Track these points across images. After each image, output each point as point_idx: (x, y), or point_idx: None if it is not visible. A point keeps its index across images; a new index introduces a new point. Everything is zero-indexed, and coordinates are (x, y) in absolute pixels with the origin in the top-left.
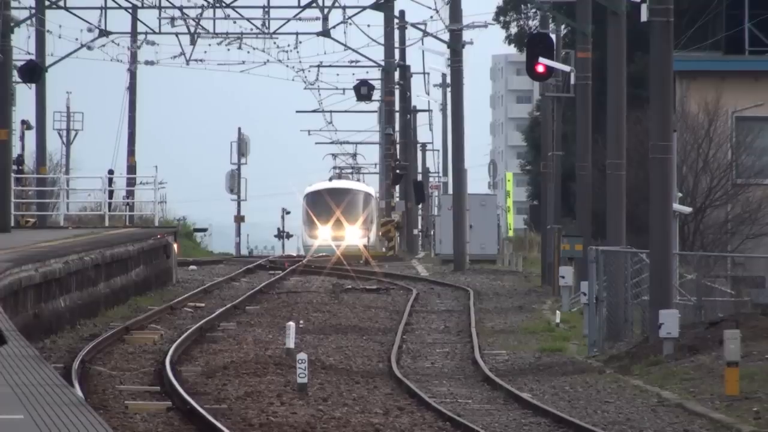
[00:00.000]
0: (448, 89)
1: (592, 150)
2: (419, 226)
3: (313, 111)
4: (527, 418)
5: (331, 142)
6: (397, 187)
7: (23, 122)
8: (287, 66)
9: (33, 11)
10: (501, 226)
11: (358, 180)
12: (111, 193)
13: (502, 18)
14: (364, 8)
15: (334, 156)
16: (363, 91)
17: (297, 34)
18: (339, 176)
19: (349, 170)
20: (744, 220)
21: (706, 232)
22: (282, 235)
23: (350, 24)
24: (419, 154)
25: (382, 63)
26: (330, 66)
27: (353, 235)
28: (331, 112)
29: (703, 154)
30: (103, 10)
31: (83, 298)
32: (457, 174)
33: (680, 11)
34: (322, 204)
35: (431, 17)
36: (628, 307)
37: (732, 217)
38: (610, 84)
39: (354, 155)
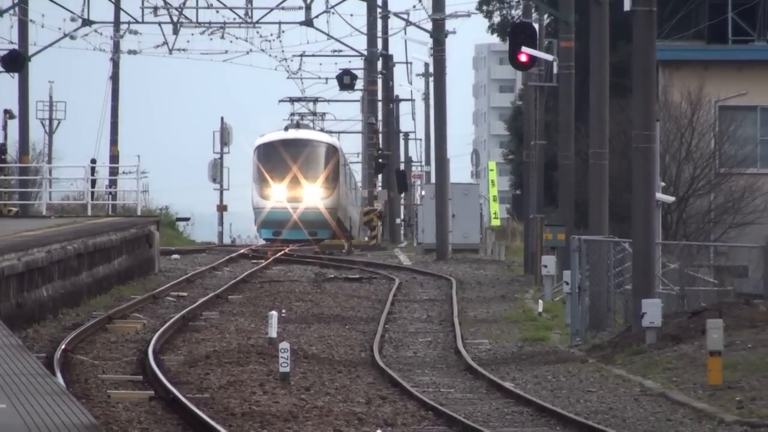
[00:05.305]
0: (431, 79)
1: (574, 139)
2: (402, 216)
3: (297, 100)
4: (510, 407)
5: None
6: (380, 177)
7: (6, 111)
8: (270, 55)
9: (16, 0)
10: (483, 215)
11: (321, 130)
12: (93, 183)
13: (485, 7)
14: None
15: (292, 101)
16: (346, 80)
17: (280, 23)
18: (297, 125)
19: (311, 118)
20: (727, 210)
21: (689, 222)
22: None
23: (333, 13)
24: (402, 143)
25: (365, 52)
26: (313, 55)
27: (313, 195)
28: (314, 101)
29: (686, 144)
30: (86, 0)
31: (66, 287)
32: (439, 163)
33: (663, 0)
34: (276, 158)
35: (414, 6)
36: (611, 297)
37: (715, 206)
38: (592, 73)
39: (315, 101)
